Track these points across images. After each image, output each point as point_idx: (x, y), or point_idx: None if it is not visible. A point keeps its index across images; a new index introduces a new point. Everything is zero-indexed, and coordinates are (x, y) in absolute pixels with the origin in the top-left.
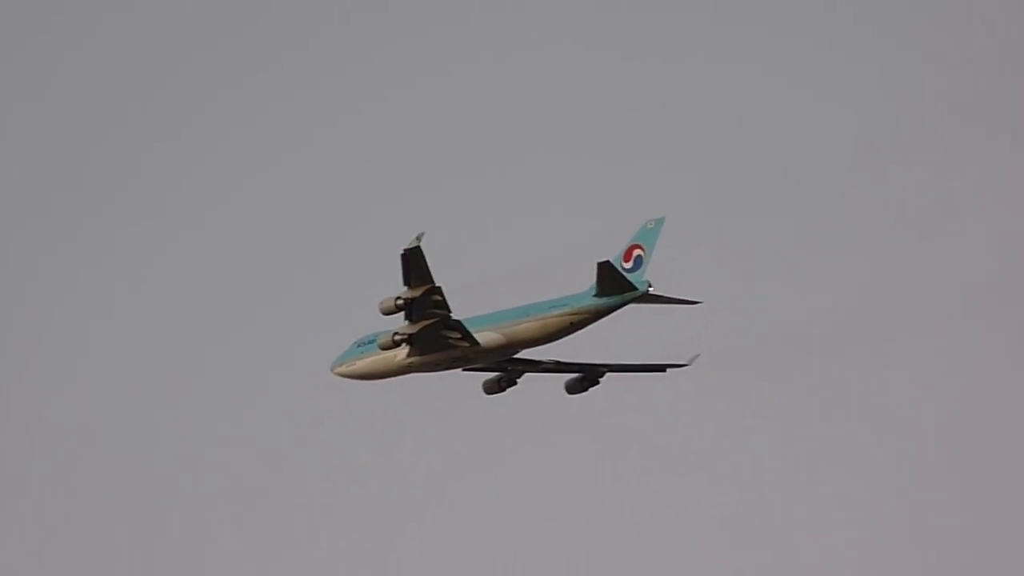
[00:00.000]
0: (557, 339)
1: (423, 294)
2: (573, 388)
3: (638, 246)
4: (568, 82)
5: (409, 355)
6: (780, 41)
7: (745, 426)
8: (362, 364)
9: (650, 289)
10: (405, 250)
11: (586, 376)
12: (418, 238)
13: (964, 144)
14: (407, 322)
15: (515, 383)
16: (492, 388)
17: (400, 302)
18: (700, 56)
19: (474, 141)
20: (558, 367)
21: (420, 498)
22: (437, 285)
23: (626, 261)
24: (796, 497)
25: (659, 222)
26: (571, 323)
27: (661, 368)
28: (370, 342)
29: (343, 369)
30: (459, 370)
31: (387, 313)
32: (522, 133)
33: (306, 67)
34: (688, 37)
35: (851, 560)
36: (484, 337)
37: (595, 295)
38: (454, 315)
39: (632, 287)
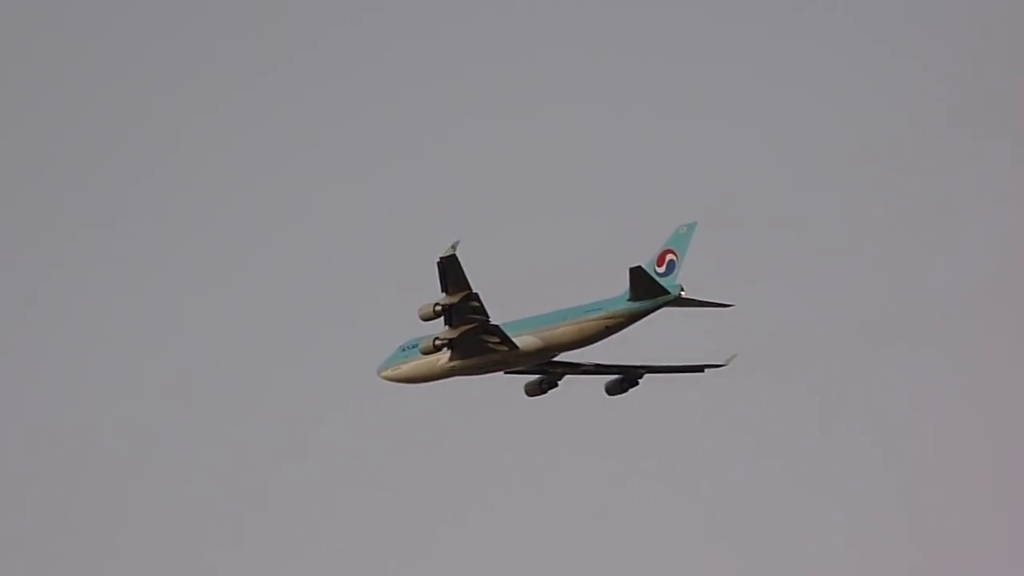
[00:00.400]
0: (593, 343)
1: (461, 300)
2: (613, 389)
3: (671, 251)
4: (581, 86)
5: (451, 359)
6: (782, 46)
7: (778, 426)
8: (407, 368)
9: (683, 293)
10: (441, 258)
11: (625, 378)
12: (453, 246)
13: (965, 149)
14: (447, 327)
15: (556, 385)
16: (534, 390)
17: (438, 308)
18: (704, 63)
19: (501, 146)
20: (598, 369)
21: (464, 498)
22: (474, 292)
23: (659, 265)
24: (824, 498)
25: (691, 227)
26: (606, 327)
27: (699, 368)
28: (413, 346)
29: (389, 373)
30: (501, 373)
31: (426, 319)
32: (545, 137)
33: (313, 72)
34: (693, 44)
35: (872, 560)
36: (523, 341)
37: (629, 299)
38: (492, 320)
39: (665, 291)
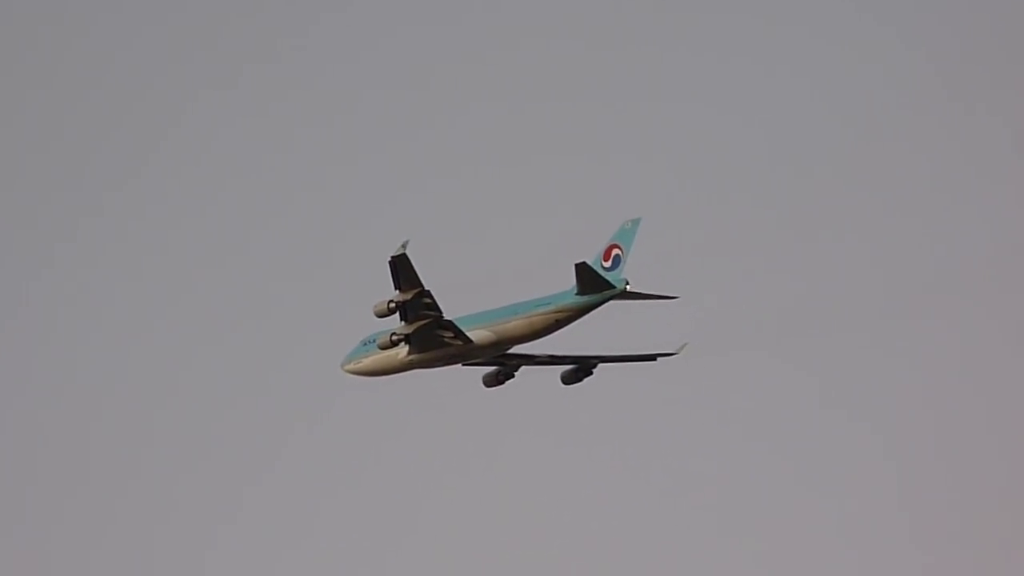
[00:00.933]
0: (544, 335)
1: (413, 297)
2: (568, 379)
3: (616, 245)
4: (543, 77)
5: (409, 353)
6: (765, 25)
7: (735, 410)
8: (368, 361)
9: (628, 287)
10: (392, 257)
11: (580, 367)
12: (403, 246)
13: (952, 128)
14: (403, 322)
15: (512, 376)
16: (491, 381)
17: (392, 305)
18: (687, 43)
19: (455, 143)
20: (552, 360)
21: (425, 488)
22: (426, 289)
23: (606, 260)
24: (789, 480)
25: (636, 222)
26: (556, 320)
27: (652, 357)
28: (372, 341)
29: (351, 367)
30: (459, 365)
31: (381, 316)
32: (501, 132)
33: (291, 68)
34: (675, 24)
35: (843, 542)
36: (476, 335)
37: (577, 293)
38: (446, 315)
39: (611, 285)
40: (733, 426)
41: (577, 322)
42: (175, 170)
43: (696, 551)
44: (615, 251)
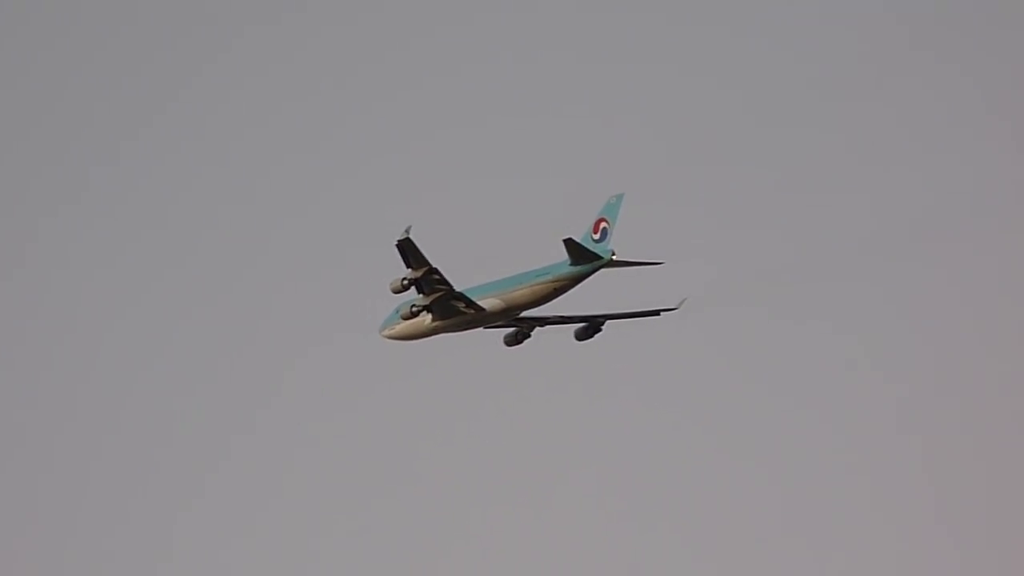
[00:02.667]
0: (546, 302)
1: (424, 274)
2: (581, 336)
3: (604, 219)
4: (532, 39)
5: (433, 320)
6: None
7: (733, 358)
8: (400, 328)
9: (614, 256)
10: (398, 241)
11: (590, 325)
12: (407, 231)
13: (924, 74)
14: (420, 295)
15: (529, 336)
16: (511, 341)
17: (406, 282)
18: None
19: (454, 108)
20: (563, 320)
21: (458, 436)
22: (434, 267)
23: (595, 233)
24: (792, 425)
25: (620, 198)
26: (555, 288)
27: (655, 312)
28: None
29: (387, 332)
30: (480, 329)
31: (396, 292)
32: (490, 101)
33: (283, 49)
34: None
35: (846, 489)
36: (487, 303)
37: (571, 264)
38: (460, 287)
39: (598, 256)
40: (733, 373)
41: (584, 285)
42: (176, 169)
43: (706, 497)
44: (603, 224)
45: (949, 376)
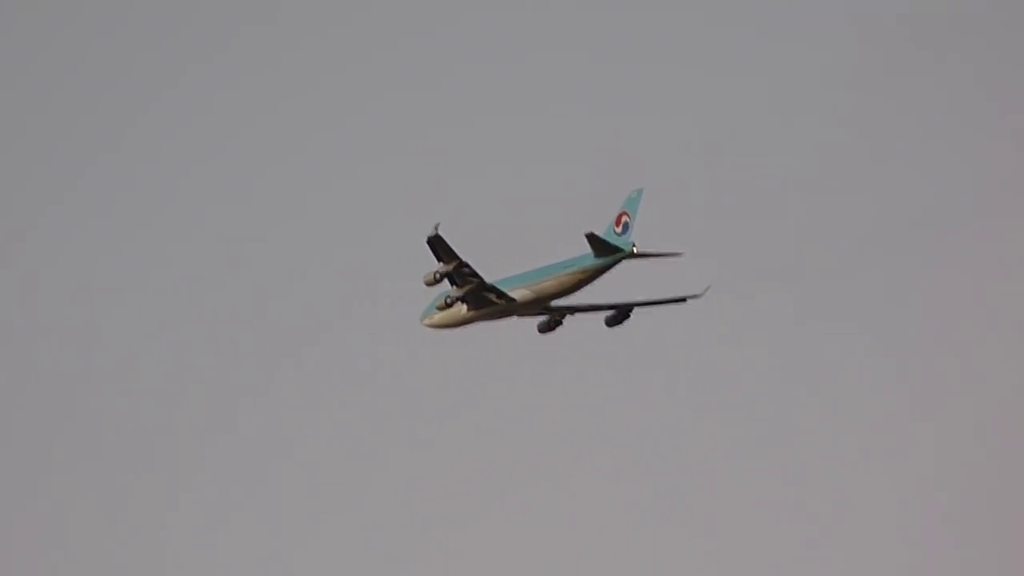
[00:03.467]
0: (573, 292)
1: (455, 268)
2: (611, 322)
3: (625, 213)
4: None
5: (468, 310)
6: None
7: (756, 342)
8: (438, 317)
9: (635, 249)
10: (428, 238)
11: (619, 312)
12: (436, 227)
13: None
14: (453, 287)
15: (561, 323)
16: (544, 328)
17: (438, 275)
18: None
19: (481, 100)
20: (593, 308)
21: (493, 419)
22: (464, 260)
23: (617, 226)
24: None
25: (640, 192)
26: (580, 280)
27: (681, 299)
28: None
29: (428, 321)
30: (514, 317)
31: (429, 284)
32: (525, 90)
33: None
34: None
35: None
36: (518, 293)
37: (595, 257)
38: (490, 277)
39: (619, 249)
40: (753, 359)
41: (614, 274)
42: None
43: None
44: (624, 218)
45: (979, 368)
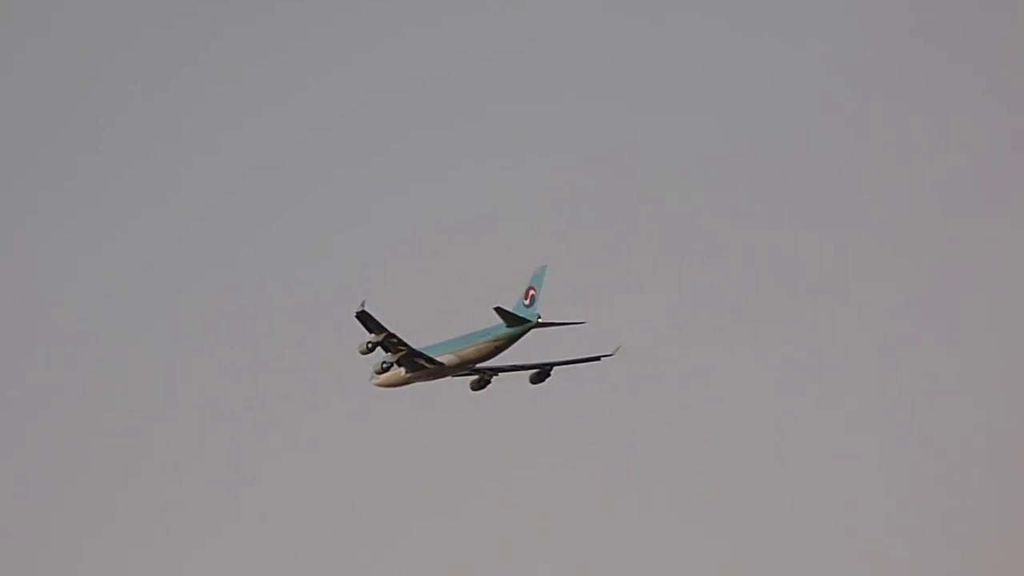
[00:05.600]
0: (491, 358)
1: (384, 338)
2: (534, 380)
3: (532, 287)
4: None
5: (406, 372)
6: None
7: (662, 395)
8: (382, 378)
9: (539, 319)
10: (356, 314)
11: (541, 371)
12: (362, 304)
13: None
14: (388, 353)
15: (490, 381)
16: (476, 386)
17: (369, 345)
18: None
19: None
20: (516, 368)
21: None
22: (392, 332)
23: (525, 299)
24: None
25: (544, 269)
26: (496, 347)
27: (596, 358)
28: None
29: (375, 381)
30: (448, 377)
31: (363, 353)
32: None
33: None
34: None
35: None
36: (445, 358)
37: (506, 327)
38: (420, 344)
39: (526, 320)
40: (665, 407)
41: (538, 335)
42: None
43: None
44: (531, 291)
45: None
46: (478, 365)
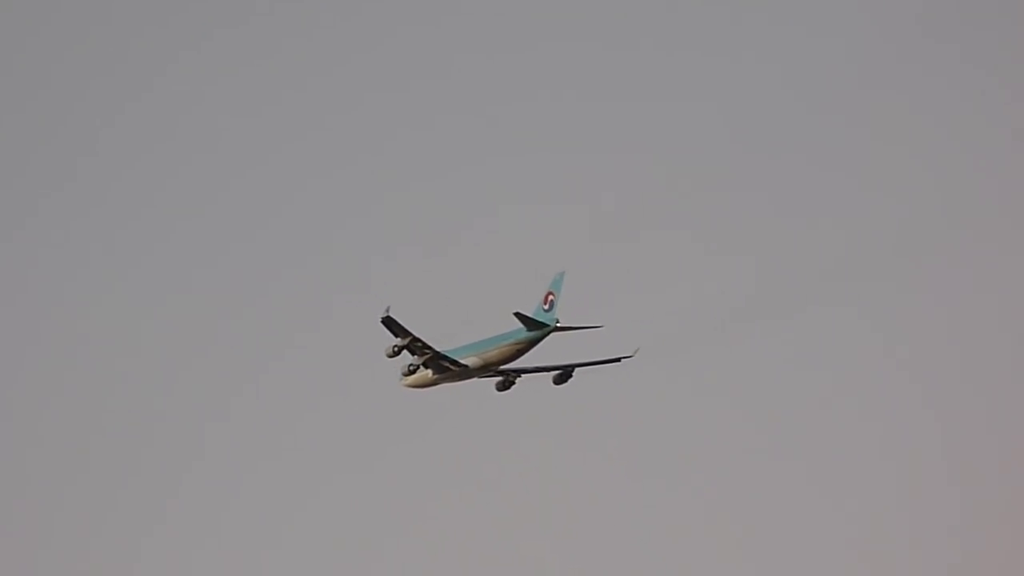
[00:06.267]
0: (513, 360)
1: (409, 342)
2: (557, 381)
3: (551, 292)
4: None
5: (432, 374)
6: None
7: (679, 393)
8: (410, 380)
9: (558, 323)
10: (381, 319)
11: (563, 372)
12: (387, 310)
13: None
14: (414, 356)
15: (515, 383)
16: (501, 387)
17: (396, 349)
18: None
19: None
20: (540, 369)
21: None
22: (417, 336)
23: (545, 303)
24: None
25: (562, 274)
26: (517, 350)
27: (617, 360)
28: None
29: (404, 382)
30: (475, 379)
31: (390, 357)
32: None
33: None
34: None
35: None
36: (469, 361)
37: (527, 331)
38: (446, 347)
39: (545, 324)
40: (681, 407)
41: (558, 339)
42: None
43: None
44: (551, 297)
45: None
46: (502, 367)
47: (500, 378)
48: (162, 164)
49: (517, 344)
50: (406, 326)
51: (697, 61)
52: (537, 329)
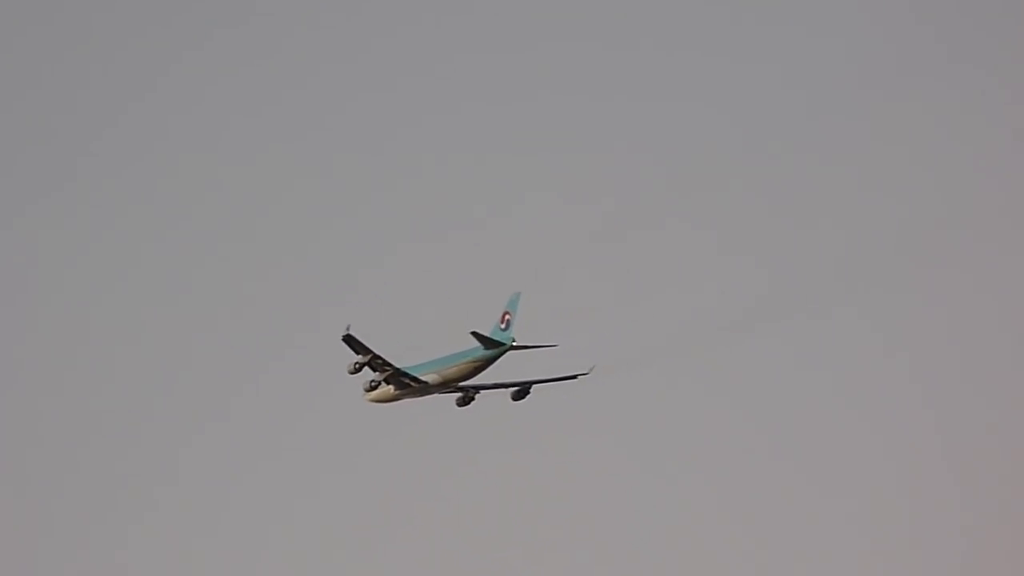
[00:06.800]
0: (471, 377)
1: (370, 359)
2: (516, 397)
3: (507, 312)
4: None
5: (394, 390)
6: None
7: (631, 408)
8: (374, 395)
9: (514, 343)
10: (342, 337)
11: (521, 389)
12: (347, 328)
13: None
14: (376, 372)
15: (474, 399)
16: (461, 403)
17: (357, 366)
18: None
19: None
20: (498, 385)
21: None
22: (377, 354)
23: (502, 323)
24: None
25: (518, 295)
26: (475, 367)
27: (573, 377)
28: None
29: (368, 397)
30: (435, 395)
31: (352, 373)
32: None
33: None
34: None
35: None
36: (428, 377)
37: (484, 349)
38: (405, 364)
39: (501, 343)
40: (631, 423)
41: (518, 356)
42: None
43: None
44: (507, 316)
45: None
46: (461, 384)
47: (460, 394)
48: (162, 164)
49: (475, 362)
50: (367, 343)
51: (697, 61)
52: (494, 348)
